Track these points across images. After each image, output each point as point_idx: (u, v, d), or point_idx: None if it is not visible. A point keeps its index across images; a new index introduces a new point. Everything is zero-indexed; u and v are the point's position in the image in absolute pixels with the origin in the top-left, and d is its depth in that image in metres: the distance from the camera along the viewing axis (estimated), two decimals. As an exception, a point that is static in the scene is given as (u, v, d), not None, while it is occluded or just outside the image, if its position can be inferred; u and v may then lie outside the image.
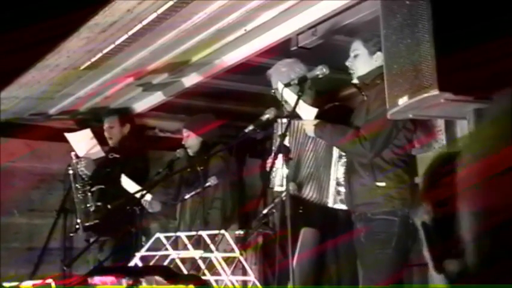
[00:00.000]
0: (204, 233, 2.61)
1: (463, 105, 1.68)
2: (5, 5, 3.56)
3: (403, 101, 1.76)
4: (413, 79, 1.71)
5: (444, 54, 1.63)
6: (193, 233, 2.74)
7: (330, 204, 3.13)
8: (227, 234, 2.52)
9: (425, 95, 1.65)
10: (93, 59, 3.98)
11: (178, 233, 2.88)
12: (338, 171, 3.12)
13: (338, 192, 3.10)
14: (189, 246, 2.59)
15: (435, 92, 1.63)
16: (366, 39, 2.99)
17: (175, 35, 3.70)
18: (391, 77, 1.80)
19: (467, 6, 1.65)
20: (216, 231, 2.58)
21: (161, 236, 2.91)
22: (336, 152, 3.13)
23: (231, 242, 2.53)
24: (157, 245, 3.00)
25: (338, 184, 3.10)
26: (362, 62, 2.98)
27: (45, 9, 3.57)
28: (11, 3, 3.60)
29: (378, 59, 2.90)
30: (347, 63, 3.05)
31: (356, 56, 3.02)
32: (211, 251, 2.46)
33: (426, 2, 1.70)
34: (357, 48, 3.02)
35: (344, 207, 3.09)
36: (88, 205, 4.50)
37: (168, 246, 2.81)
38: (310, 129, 3.02)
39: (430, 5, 1.68)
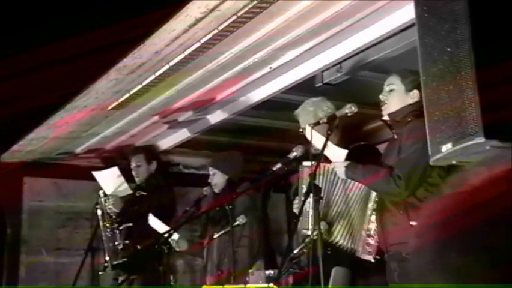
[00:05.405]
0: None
1: (507, 151, 1.67)
2: (36, 48, 3.65)
3: (447, 148, 1.75)
4: (457, 126, 1.71)
5: (488, 101, 1.62)
6: (241, 286, 2.69)
7: (358, 254, 3.07)
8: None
9: (470, 142, 1.65)
10: (120, 100, 4.03)
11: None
12: (371, 222, 3.04)
13: (368, 244, 3.03)
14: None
15: (481, 139, 1.63)
16: (404, 76, 2.91)
17: (201, 74, 3.75)
18: (433, 124, 1.79)
19: (510, 54, 1.65)
20: (265, 285, 2.54)
21: None
22: (371, 202, 3.03)
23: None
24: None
25: (369, 236, 3.03)
26: (397, 97, 2.92)
27: (76, 51, 3.65)
28: (40, 48, 3.69)
29: (414, 96, 2.85)
30: (381, 97, 2.97)
31: (391, 91, 2.95)
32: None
33: (468, 49, 1.70)
34: (394, 82, 2.95)
35: (371, 259, 3.01)
36: (116, 243, 4.50)
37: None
38: (341, 171, 2.96)
39: (473, 52, 1.68)
